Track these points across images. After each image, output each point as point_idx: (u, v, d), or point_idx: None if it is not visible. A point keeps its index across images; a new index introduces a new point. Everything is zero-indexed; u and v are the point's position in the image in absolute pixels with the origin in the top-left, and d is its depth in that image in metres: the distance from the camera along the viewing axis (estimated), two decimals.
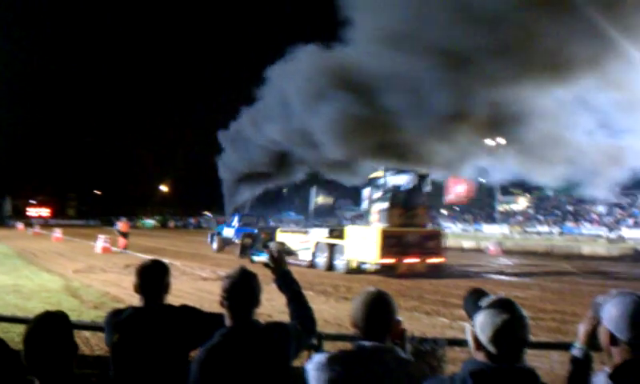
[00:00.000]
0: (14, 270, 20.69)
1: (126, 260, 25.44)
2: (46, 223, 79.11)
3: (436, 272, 21.39)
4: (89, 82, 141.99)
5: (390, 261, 20.85)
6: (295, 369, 3.02)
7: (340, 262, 22.77)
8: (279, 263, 3.26)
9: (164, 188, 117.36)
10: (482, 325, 2.26)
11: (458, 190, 29.55)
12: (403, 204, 22.51)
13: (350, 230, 23.12)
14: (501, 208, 71.80)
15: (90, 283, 17.50)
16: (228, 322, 2.84)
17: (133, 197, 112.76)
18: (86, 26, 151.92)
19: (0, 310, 9.87)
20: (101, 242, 31.38)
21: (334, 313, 12.81)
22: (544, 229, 61.16)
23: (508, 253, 35.90)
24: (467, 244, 43.44)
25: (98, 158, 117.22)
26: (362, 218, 25.01)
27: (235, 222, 34.06)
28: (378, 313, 2.63)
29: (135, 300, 3.35)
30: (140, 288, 3.25)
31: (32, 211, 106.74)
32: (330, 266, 23.09)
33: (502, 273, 23.63)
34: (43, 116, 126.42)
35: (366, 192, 24.03)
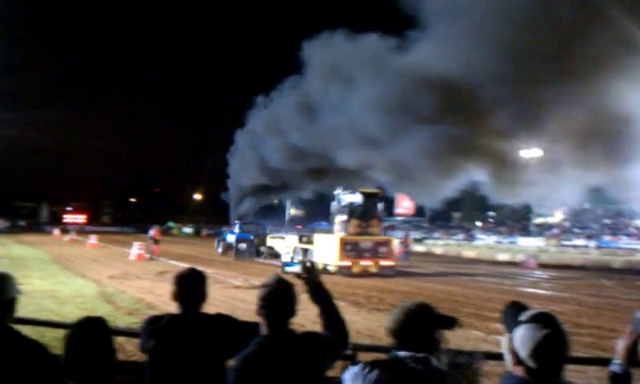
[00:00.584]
0: (50, 276, 21.04)
1: (160, 267, 25.72)
2: (81, 230, 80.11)
3: (388, 272, 25.31)
4: (126, 90, 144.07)
5: (347, 263, 24.93)
6: (329, 379, 3.01)
7: (313, 260, 24.49)
8: (311, 274, 3.25)
9: (198, 196, 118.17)
10: (522, 339, 2.22)
11: (405, 204, 32.40)
12: (359, 216, 26.61)
13: (317, 237, 28.29)
14: (536, 221, 70.87)
15: (124, 289, 17.73)
16: (264, 330, 2.84)
17: (167, 205, 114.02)
18: (125, 36, 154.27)
19: (36, 315, 9.99)
20: (135, 249, 31.73)
21: (367, 324, 12.78)
22: (580, 242, 60.12)
23: (543, 266, 35.28)
24: (501, 256, 42.77)
25: (133, 166, 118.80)
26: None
27: (236, 228, 38.48)
28: (416, 323, 2.60)
29: (169, 307, 3.36)
30: (177, 296, 3.25)
31: (68, 218, 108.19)
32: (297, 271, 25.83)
33: (537, 286, 23.27)
34: (80, 124, 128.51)
35: (333, 206, 28.48)
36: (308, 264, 3.27)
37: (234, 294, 17.26)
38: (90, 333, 2.53)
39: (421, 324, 2.59)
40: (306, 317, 2.90)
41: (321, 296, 3.18)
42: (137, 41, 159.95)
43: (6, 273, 2.87)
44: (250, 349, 2.74)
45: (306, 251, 27.84)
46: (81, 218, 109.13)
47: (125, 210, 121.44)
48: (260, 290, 2.91)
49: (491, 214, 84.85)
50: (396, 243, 28.70)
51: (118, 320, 12.03)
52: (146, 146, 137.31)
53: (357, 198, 27.28)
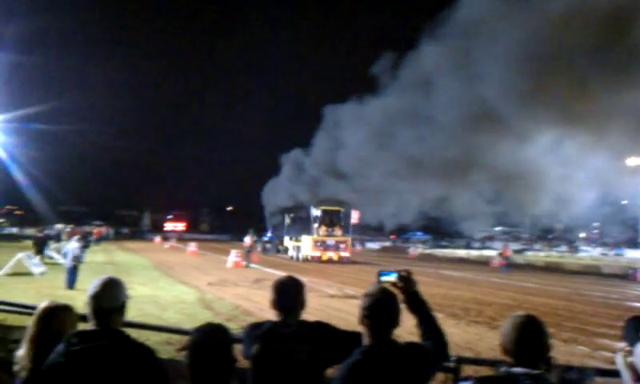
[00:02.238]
0: (151, 282, 21.81)
1: (256, 275, 26.13)
2: (180, 237, 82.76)
3: (345, 261, 39.85)
4: (224, 103, 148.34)
5: (318, 253, 39.89)
6: None
7: (300, 255, 41.52)
8: (408, 283, 3.14)
9: None
10: None
11: (354, 216, 45.97)
12: (327, 224, 42.43)
13: (303, 238, 42.60)
14: None
15: (222, 296, 18.09)
16: (366, 340, 2.77)
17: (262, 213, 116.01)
18: (223, 56, 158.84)
19: (139, 319, 10.33)
20: (232, 256, 32.44)
21: (466, 336, 12.44)
22: None
23: None
24: (607, 269, 40.64)
25: (229, 175, 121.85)
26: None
27: (269, 233, 55.69)
28: (531, 338, 2.48)
29: (265, 314, 3.34)
30: (277, 304, 3.21)
31: (168, 225, 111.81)
32: (298, 258, 41.77)
33: None
34: (179, 136, 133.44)
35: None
36: (404, 273, 3.17)
37: (328, 303, 17.22)
38: (215, 339, 2.56)
39: (533, 337, 2.46)
40: (402, 327, 2.80)
41: (418, 306, 3.09)
42: (233, 59, 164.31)
43: (118, 278, 2.93)
44: (354, 358, 2.68)
45: (298, 247, 42.64)
46: (180, 226, 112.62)
47: (222, 217, 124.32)
48: (363, 299, 2.84)
49: (595, 224, 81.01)
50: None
51: None
52: (241, 155, 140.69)
53: (318, 213, 42.93)
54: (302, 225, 47.50)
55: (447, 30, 38.09)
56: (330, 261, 39.19)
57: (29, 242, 34.97)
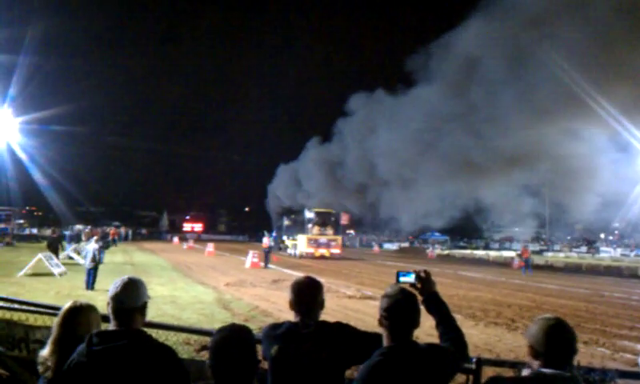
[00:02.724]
0: (170, 282, 21.92)
1: (274, 275, 26.17)
2: (198, 238, 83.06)
3: (336, 256, 45.44)
4: (239, 107, 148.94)
5: (311, 250, 45.35)
6: None
7: (297, 252, 46.87)
8: (426, 284, 3.13)
9: None
10: None
11: (344, 218, 54.25)
12: (319, 224, 47.52)
13: (298, 237, 48.14)
14: None
15: (240, 297, 18.14)
16: (386, 341, 2.76)
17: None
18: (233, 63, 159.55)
19: (158, 319, 10.36)
20: (250, 257, 32.54)
21: (485, 338, 12.36)
22: None
23: None
24: (628, 270, 39.89)
25: (247, 176, 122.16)
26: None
27: (274, 233, 56.12)
28: (561, 340, 2.47)
29: (284, 315, 3.34)
30: (295, 304, 3.21)
31: (186, 226, 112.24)
32: (295, 255, 46.77)
33: None
34: (198, 138, 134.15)
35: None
36: (422, 274, 3.17)
37: (346, 304, 17.22)
38: (239, 340, 2.57)
39: (561, 339, 2.47)
40: (420, 328, 2.80)
41: (437, 307, 3.09)
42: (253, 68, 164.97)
43: (139, 278, 2.95)
44: (375, 360, 2.69)
45: (295, 245, 48.61)
46: (198, 227, 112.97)
47: (239, 218, 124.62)
48: (382, 300, 2.85)
49: (616, 225, 79.94)
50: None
51: None
52: (258, 157, 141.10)
53: (312, 215, 48.54)
54: (300, 225, 51.85)
55: (493, 14, 37.11)
56: (322, 257, 44.89)
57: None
